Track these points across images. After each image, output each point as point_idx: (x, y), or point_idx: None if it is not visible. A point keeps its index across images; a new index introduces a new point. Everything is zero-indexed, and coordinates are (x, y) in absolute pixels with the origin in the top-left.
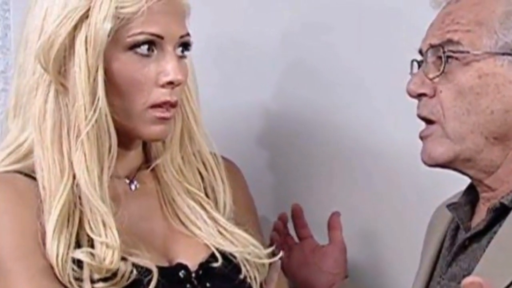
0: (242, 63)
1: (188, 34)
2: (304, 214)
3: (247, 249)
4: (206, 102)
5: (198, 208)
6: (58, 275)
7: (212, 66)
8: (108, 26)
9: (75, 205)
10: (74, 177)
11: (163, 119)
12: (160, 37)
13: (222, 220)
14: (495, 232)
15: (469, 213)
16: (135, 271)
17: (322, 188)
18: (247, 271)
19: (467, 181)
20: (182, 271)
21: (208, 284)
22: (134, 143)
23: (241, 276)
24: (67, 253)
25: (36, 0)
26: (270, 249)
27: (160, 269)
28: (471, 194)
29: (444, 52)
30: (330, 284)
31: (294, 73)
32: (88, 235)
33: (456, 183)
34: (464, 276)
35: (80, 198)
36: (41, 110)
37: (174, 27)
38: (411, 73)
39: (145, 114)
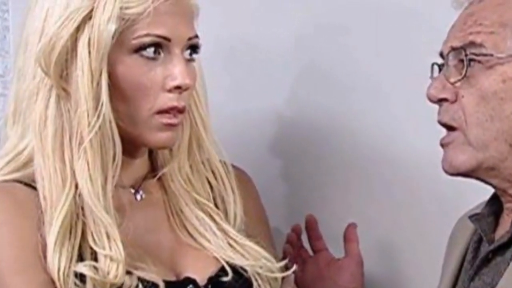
0: (253, 66)
1: (196, 36)
2: (318, 225)
3: (258, 262)
4: (215, 107)
5: (207, 219)
6: None
7: (221, 69)
8: (112, 27)
9: (77, 216)
10: (76, 186)
11: (170, 126)
12: (167, 39)
13: (232, 232)
14: None
15: (493, 225)
16: (140, 286)
17: (337, 198)
18: (259, 285)
19: (490, 190)
20: (190, 286)
21: None
22: (140, 151)
23: None
24: (69, 267)
25: (37, 1)
26: (283, 263)
27: (167, 283)
28: (495, 205)
29: (466, 55)
30: None
31: (308, 77)
32: (91, 248)
33: (478, 193)
34: None
35: (82, 208)
36: (41, 116)
37: (182, 29)
38: (432, 77)
39: (151, 120)
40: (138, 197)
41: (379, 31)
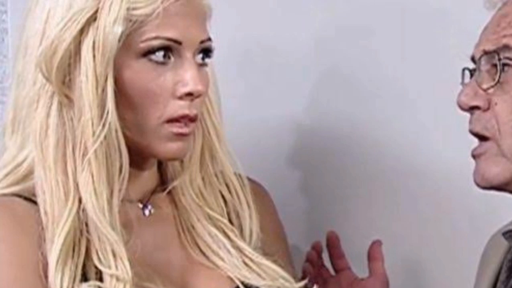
0: (270, 71)
1: (209, 39)
2: (340, 242)
3: (276, 282)
4: (229, 115)
5: (220, 236)
6: None
7: (236, 75)
8: (118, 29)
9: (81, 232)
10: (80, 201)
11: (181, 135)
12: (178, 42)
13: (248, 249)
14: None
15: None
16: None
17: (360, 213)
18: None
19: None
20: None
21: None
22: (148, 162)
23: None
24: (72, 287)
25: (37, 1)
26: (302, 283)
27: None
28: None
29: (499, 60)
30: None
31: (329, 83)
32: (96, 267)
33: None
34: None
35: (87, 224)
36: (42, 125)
37: (194, 31)
38: (462, 83)
39: (161, 129)
40: (147, 212)
41: (405, 33)
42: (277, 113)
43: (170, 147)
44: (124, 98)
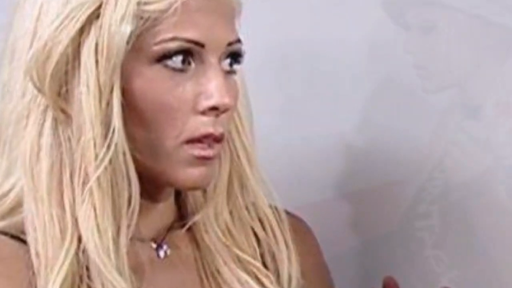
0: (313, 81)
1: (238, 41)
2: None
3: None
4: (264, 135)
5: (252, 282)
6: None
7: (272, 85)
8: (127, 29)
9: (81, 278)
10: (79, 239)
11: (204, 159)
12: (200, 44)
13: None
14: None
15: None
16: None
17: (424, 255)
18: None
19: None
20: None
21: None
22: (164, 192)
23: None
24: None
25: None
26: None
27: None
28: None
29: None
30: None
31: (385, 95)
32: None
33: None
34: None
35: (88, 269)
36: (33, 146)
37: (219, 31)
38: None
39: (179, 152)
40: (162, 253)
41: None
42: (322, 132)
43: (191, 174)
44: (134, 113)
